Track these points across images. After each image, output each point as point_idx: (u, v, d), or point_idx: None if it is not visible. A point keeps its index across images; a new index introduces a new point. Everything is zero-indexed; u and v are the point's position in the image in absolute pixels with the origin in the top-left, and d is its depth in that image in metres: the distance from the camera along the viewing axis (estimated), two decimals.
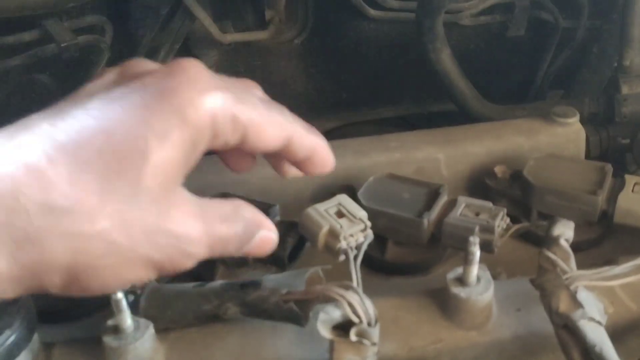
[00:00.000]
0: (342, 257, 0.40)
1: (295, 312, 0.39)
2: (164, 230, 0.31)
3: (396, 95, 0.91)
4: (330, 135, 0.87)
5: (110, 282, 0.31)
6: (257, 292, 0.40)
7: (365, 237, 0.41)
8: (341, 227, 0.40)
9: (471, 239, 0.40)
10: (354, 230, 0.41)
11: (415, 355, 0.41)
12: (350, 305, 0.37)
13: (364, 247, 0.41)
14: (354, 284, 0.39)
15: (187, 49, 0.81)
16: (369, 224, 0.41)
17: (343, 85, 0.89)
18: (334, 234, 0.40)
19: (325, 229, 0.41)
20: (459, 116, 0.75)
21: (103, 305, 0.43)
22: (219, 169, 0.40)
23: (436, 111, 0.91)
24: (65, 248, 0.29)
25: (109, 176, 0.29)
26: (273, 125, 0.35)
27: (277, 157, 0.38)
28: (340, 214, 0.42)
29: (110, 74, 0.34)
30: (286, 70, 0.86)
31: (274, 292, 0.40)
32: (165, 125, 0.30)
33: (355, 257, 0.40)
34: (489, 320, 0.42)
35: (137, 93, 0.31)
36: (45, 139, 0.29)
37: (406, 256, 0.50)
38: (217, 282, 0.43)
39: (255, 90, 0.37)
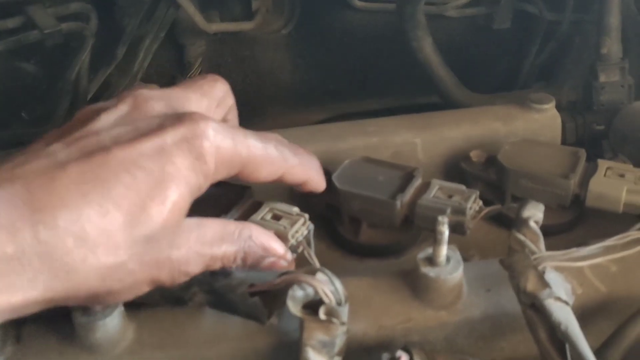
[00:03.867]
0: (294, 255, 0.43)
1: (259, 308, 0.39)
2: (170, 259, 0.35)
3: (383, 87, 0.91)
4: None
5: (122, 298, 0.36)
6: (226, 280, 0.40)
7: (308, 229, 0.44)
8: (285, 227, 0.43)
9: (440, 218, 0.40)
10: (297, 226, 0.43)
11: (385, 334, 0.41)
12: (321, 288, 0.38)
13: (312, 236, 0.44)
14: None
15: (174, 39, 0.82)
16: (306, 215, 0.44)
17: (330, 77, 0.89)
18: (281, 236, 0.42)
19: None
20: (447, 108, 0.76)
21: None
22: None
23: (424, 103, 0.91)
24: (95, 277, 0.33)
25: (134, 213, 0.33)
26: (268, 163, 0.40)
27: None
28: (277, 217, 0.44)
29: (124, 106, 0.38)
30: (273, 61, 0.87)
31: (242, 282, 0.40)
32: (180, 170, 0.35)
33: (309, 245, 0.44)
34: (458, 300, 0.42)
35: (157, 138, 0.35)
36: (77, 175, 0.33)
37: (380, 238, 0.50)
38: None
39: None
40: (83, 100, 0.76)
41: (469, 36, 0.87)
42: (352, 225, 0.51)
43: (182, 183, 0.35)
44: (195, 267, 0.37)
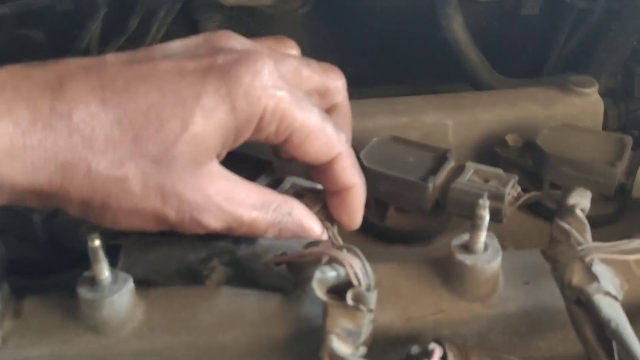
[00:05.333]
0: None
1: (285, 276, 0.36)
2: (178, 194, 0.33)
3: (403, 72, 0.87)
4: None
5: (121, 222, 0.34)
6: (249, 248, 0.37)
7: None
8: (307, 206, 0.40)
9: (481, 201, 0.37)
10: (320, 205, 0.41)
11: (413, 325, 0.38)
12: (351, 267, 0.34)
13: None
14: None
15: (188, 13, 0.78)
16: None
17: (348, 60, 0.85)
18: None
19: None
20: None
21: (83, 260, 0.40)
22: None
23: (444, 90, 0.88)
24: (91, 183, 0.31)
25: (148, 132, 0.31)
26: (322, 140, 0.36)
27: (316, 174, 0.39)
28: (299, 194, 0.41)
29: (196, 38, 0.36)
30: None
31: (267, 251, 0.37)
32: (213, 106, 0.32)
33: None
34: (494, 293, 0.39)
35: (204, 69, 0.33)
36: (109, 76, 0.32)
37: (408, 223, 0.47)
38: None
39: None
40: None
41: (495, 21, 0.83)
42: (378, 209, 0.48)
43: (214, 117, 0.32)
44: (212, 221, 0.34)
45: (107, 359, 0.37)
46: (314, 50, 0.83)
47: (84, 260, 0.36)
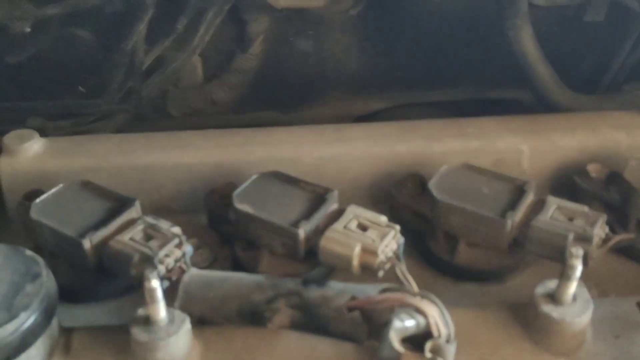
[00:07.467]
0: (382, 273, 0.38)
1: (358, 323, 0.34)
2: None
3: (453, 78, 0.83)
4: (378, 117, 0.81)
5: None
6: (320, 290, 0.35)
7: (398, 243, 0.38)
8: (373, 240, 0.37)
9: (574, 250, 0.34)
10: (387, 240, 0.38)
11: None
12: (431, 316, 0.32)
13: (401, 253, 0.39)
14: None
15: (236, 14, 0.75)
16: (397, 227, 0.39)
17: (397, 63, 0.82)
18: (368, 251, 0.37)
19: (357, 249, 0.37)
20: (519, 105, 0.70)
21: (131, 287, 0.38)
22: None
23: (496, 98, 0.84)
24: None
25: None
26: None
27: None
28: (363, 227, 0.39)
29: None
30: (339, 43, 0.80)
31: (339, 294, 0.34)
32: None
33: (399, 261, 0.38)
34: (581, 346, 0.36)
35: None
36: None
37: (480, 261, 0.44)
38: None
39: None
40: (138, 72, 0.70)
41: (556, 27, 0.79)
42: (447, 243, 0.44)
43: None
44: None
45: None
46: (362, 53, 0.80)
47: (131, 289, 0.36)
